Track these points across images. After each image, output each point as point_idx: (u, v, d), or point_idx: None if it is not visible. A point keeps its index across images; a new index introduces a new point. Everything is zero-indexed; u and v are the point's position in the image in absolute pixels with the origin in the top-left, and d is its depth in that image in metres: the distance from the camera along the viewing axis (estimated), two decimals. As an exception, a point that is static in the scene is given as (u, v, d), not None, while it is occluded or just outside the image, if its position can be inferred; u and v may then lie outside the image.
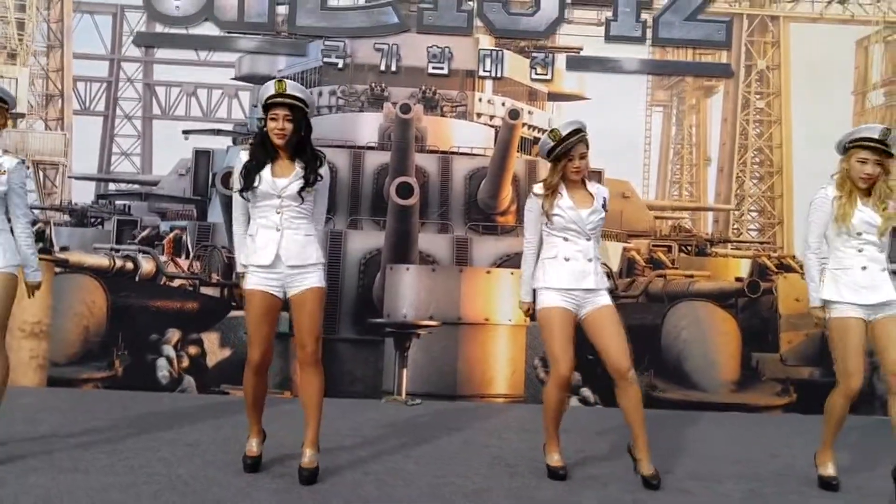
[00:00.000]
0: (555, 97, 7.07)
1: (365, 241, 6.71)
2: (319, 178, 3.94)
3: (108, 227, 6.93)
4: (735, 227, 7.08)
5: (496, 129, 6.89)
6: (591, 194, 4.21)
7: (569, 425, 4.43)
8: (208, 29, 6.67)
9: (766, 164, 7.20)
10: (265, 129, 3.93)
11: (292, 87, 3.92)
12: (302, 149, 3.92)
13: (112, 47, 6.88)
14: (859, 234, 4.12)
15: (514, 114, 6.79)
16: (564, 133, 4.11)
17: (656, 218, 6.76)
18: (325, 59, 6.83)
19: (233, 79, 6.95)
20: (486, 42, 6.89)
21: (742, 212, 7.12)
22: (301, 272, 3.95)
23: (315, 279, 3.98)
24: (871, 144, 4.09)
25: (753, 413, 6.66)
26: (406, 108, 6.46)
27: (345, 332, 6.74)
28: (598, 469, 4.48)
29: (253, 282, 3.96)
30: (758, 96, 7.19)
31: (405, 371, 6.54)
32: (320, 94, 6.97)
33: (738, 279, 6.97)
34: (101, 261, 6.64)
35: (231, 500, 3.70)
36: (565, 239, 4.18)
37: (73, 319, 6.52)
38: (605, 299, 4.22)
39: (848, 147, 4.16)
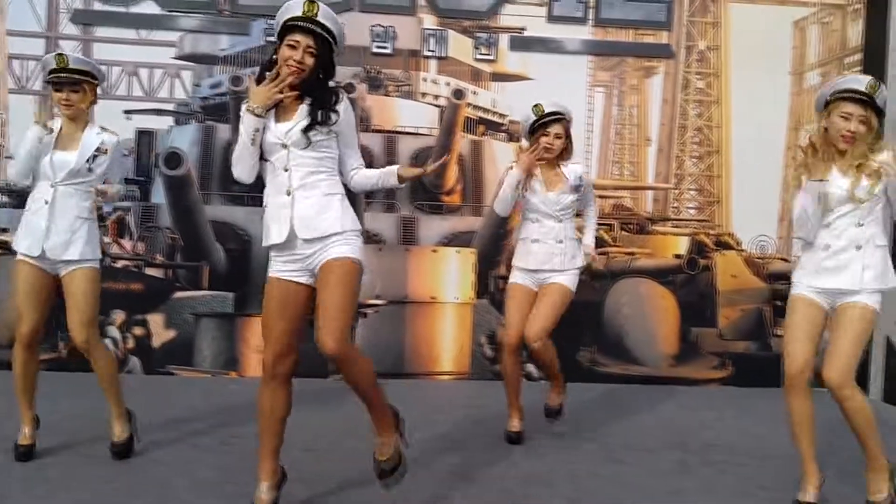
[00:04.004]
0: (499, 77, 7.10)
1: (310, 221, 6.72)
2: (332, 116, 3.12)
3: (49, 208, 6.81)
4: (674, 205, 7.23)
5: (441, 109, 6.92)
6: (562, 175, 4.40)
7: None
8: (149, 7, 6.58)
9: (706, 144, 7.35)
10: (274, 58, 3.13)
11: (324, 15, 3.13)
12: (315, 88, 3.14)
13: (48, 25, 6.73)
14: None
15: (458, 94, 6.84)
16: (547, 110, 4.32)
17: (598, 197, 6.86)
18: (269, 38, 6.77)
19: (174, 58, 6.85)
20: (430, 22, 6.91)
21: (681, 191, 7.26)
22: (322, 245, 3.09)
23: (339, 250, 3.08)
24: (857, 97, 3.41)
25: (691, 386, 6.86)
26: (350, 88, 6.46)
27: (291, 312, 6.74)
28: (537, 441, 4.63)
29: (272, 268, 3.16)
30: (698, 77, 7.32)
31: (352, 350, 6.59)
32: (264, 73, 6.91)
33: (678, 256, 7.12)
34: (42, 243, 6.54)
35: (173, 476, 3.76)
36: (534, 221, 4.42)
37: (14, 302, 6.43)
38: (558, 276, 4.45)
39: (829, 101, 3.48)
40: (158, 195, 6.65)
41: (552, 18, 6.84)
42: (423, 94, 6.89)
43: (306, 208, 3.06)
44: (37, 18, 6.62)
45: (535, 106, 4.35)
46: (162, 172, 6.56)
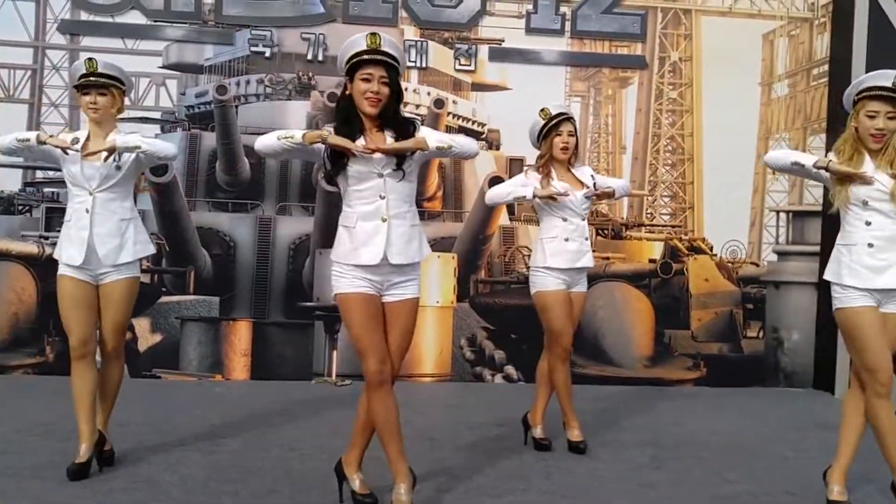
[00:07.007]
0: (478, 87, 7.28)
1: (294, 226, 6.84)
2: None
3: (37, 214, 6.91)
4: (649, 211, 7.43)
5: (422, 118, 7.09)
6: (577, 178, 4.49)
7: (494, 400, 4.70)
8: (135, 17, 6.70)
9: (678, 152, 7.56)
10: (347, 94, 3.26)
11: (388, 44, 3.22)
12: (393, 118, 3.28)
13: (35, 34, 6.84)
14: (865, 202, 3.42)
15: (438, 103, 7.01)
16: (554, 112, 4.40)
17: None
18: (253, 48, 6.92)
19: (160, 67, 6.97)
20: (411, 33, 7.08)
21: (655, 197, 7.47)
22: (404, 275, 3.35)
23: (414, 287, 3.38)
24: (885, 94, 3.36)
25: (666, 387, 7.05)
26: (334, 98, 6.60)
27: (275, 316, 6.88)
28: (514, 440, 4.77)
29: (351, 284, 3.28)
30: (670, 87, 7.53)
31: (335, 353, 6.73)
32: (248, 82, 7.06)
33: (652, 261, 7.32)
34: (30, 248, 6.63)
35: (160, 474, 3.88)
36: (564, 219, 4.44)
37: (2, 307, 6.52)
38: (582, 285, 4.58)
39: (856, 100, 3.44)
40: (145, 202, 6.77)
41: (530, 30, 7.04)
42: (405, 104, 7.05)
43: (399, 236, 3.28)
44: (25, 28, 6.73)
45: (542, 110, 4.41)
46: (148, 179, 6.67)
